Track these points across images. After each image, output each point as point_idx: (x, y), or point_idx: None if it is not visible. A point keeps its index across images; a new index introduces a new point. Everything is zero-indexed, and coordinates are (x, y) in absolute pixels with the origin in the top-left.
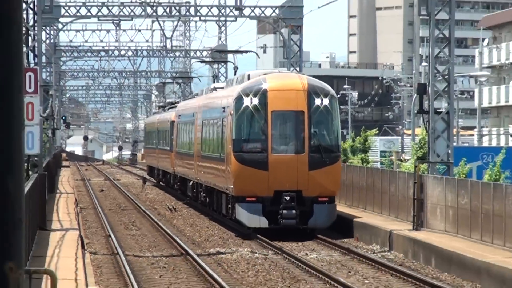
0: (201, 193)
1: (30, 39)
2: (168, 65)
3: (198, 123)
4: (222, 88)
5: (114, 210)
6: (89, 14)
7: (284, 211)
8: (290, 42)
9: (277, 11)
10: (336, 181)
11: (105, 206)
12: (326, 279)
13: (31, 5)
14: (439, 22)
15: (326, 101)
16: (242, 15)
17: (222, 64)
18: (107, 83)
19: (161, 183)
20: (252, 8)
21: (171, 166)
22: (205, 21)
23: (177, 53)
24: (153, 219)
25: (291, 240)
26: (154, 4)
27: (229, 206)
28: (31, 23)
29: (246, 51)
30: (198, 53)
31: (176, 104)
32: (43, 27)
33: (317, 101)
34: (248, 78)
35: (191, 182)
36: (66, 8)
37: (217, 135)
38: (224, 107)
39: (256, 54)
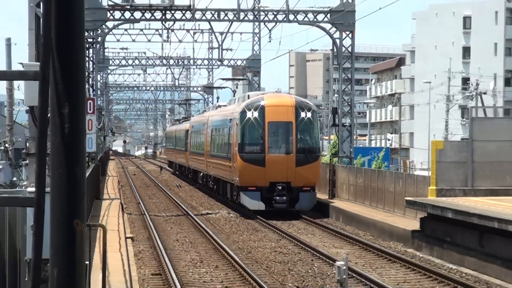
0: (210, 182)
1: (90, 79)
2: (176, 95)
3: (208, 131)
4: (225, 105)
5: (142, 187)
6: (127, 64)
7: (277, 197)
8: (253, 81)
9: (245, 62)
10: (316, 175)
11: (136, 184)
12: (274, 229)
13: (92, 58)
14: (345, 69)
15: (309, 114)
16: (223, 64)
17: (210, 94)
18: (138, 107)
19: (177, 172)
20: (229, 60)
21: (186, 161)
22: (199, 68)
23: (182, 88)
24: (166, 192)
25: (281, 219)
26: (167, 57)
27: (235, 193)
28: (91, 69)
29: (242, 78)
30: (195, 88)
31: (189, 118)
32: (99, 72)
33: (302, 114)
34: (248, 97)
35: (201, 173)
36: (113, 60)
37: (224, 140)
38: (230, 119)
39: (248, 80)
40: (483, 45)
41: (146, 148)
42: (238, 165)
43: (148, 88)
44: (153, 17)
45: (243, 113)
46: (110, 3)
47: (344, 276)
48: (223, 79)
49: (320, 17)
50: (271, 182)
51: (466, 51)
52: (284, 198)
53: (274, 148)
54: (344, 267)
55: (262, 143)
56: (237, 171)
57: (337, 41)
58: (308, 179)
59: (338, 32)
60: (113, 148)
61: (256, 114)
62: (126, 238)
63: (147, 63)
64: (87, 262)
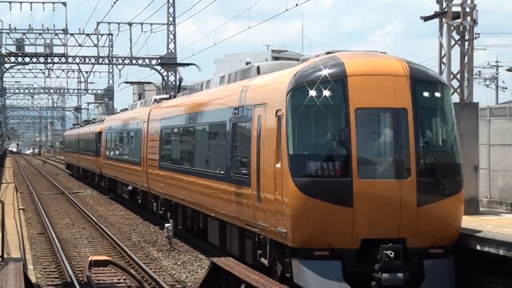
0: (155, 203)
1: None
2: (55, 114)
3: (151, 132)
4: (168, 98)
5: (30, 175)
6: (19, 92)
7: (385, 275)
8: (109, 104)
9: (103, 91)
10: (458, 223)
11: (26, 173)
12: (124, 201)
13: None
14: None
15: (437, 94)
16: (88, 92)
17: (79, 113)
18: (27, 121)
19: (75, 174)
20: (92, 90)
21: (97, 167)
22: (71, 95)
23: (59, 109)
24: (48, 178)
25: None
26: (49, 88)
27: (268, 254)
28: None
29: (101, 102)
30: (68, 109)
31: (95, 120)
32: None
33: (426, 94)
34: (258, 71)
35: (130, 186)
36: (9, 89)
37: (215, 146)
38: (235, 108)
39: (106, 103)
40: None
41: (33, 148)
42: (293, 203)
43: (35, 108)
44: (38, 61)
45: (299, 91)
46: (7, 51)
47: (171, 234)
48: (88, 103)
49: (154, 61)
50: (364, 239)
51: None
52: (400, 276)
53: (370, 166)
54: (171, 227)
55: (344, 155)
56: (289, 214)
57: (165, 77)
58: (442, 231)
59: (165, 72)
60: (9, 149)
61: (327, 93)
62: (19, 209)
63: (34, 92)
64: None
